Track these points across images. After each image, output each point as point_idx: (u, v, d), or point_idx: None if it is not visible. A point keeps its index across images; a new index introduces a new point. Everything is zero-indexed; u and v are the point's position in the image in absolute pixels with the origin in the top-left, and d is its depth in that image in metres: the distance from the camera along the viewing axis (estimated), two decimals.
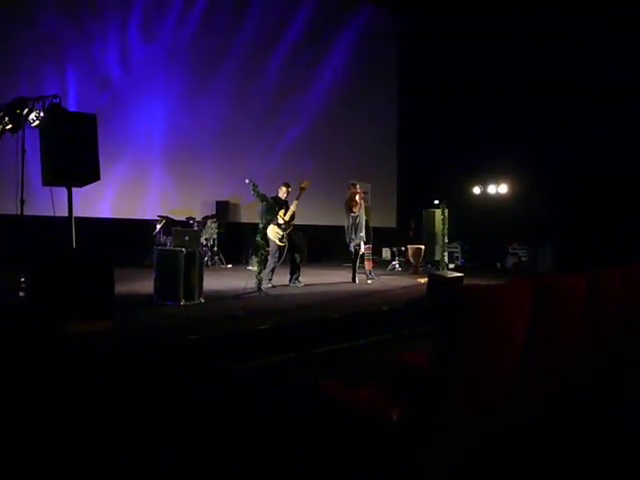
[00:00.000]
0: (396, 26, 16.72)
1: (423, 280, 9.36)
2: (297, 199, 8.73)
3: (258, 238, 8.11)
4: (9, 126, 6.34)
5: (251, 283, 7.94)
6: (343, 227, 9.98)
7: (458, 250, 14.20)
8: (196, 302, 6.93)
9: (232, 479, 2.95)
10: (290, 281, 8.98)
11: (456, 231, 13.40)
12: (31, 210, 6.54)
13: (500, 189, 14.81)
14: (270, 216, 8.57)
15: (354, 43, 15.55)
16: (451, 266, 12.79)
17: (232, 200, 12.96)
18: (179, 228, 9.00)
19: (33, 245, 6.13)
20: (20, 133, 6.35)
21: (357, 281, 9.71)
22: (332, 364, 5.23)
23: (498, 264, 13.92)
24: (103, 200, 10.95)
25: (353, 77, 15.42)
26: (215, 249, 11.96)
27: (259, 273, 7.90)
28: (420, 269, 12.18)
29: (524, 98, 13.55)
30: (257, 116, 13.50)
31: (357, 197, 9.70)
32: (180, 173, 12.25)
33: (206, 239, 11.57)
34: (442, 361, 2.21)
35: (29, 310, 5.29)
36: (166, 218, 11.08)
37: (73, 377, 4.11)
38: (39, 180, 6.11)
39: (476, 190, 15.21)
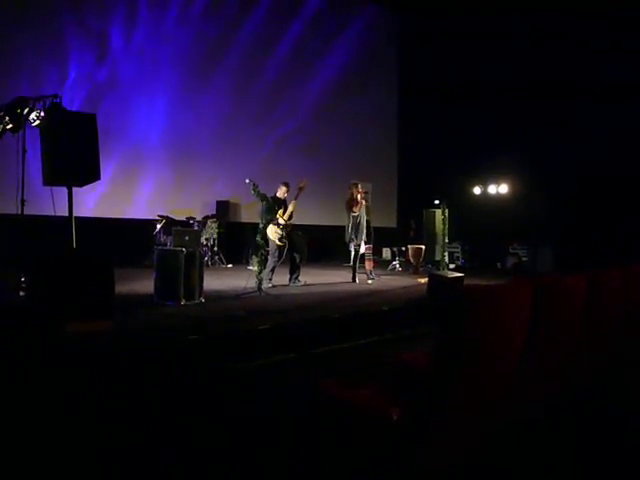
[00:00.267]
0: (396, 26, 16.72)
1: (423, 280, 9.36)
2: (295, 199, 8.74)
3: (258, 238, 8.11)
4: (9, 126, 6.34)
5: (251, 283, 7.94)
6: (343, 227, 9.97)
7: (458, 250, 14.21)
8: (196, 302, 6.93)
9: (232, 479, 2.95)
10: (290, 281, 8.98)
11: (456, 231, 13.41)
12: (31, 210, 6.54)
13: (500, 189, 14.80)
14: (270, 216, 8.57)
15: (354, 43, 15.54)
16: (451, 266, 12.79)
17: (232, 200, 12.96)
18: (179, 228, 9.00)
19: (33, 245, 6.13)
20: (20, 133, 6.35)
21: (357, 281, 9.70)
22: (332, 364, 5.23)
23: (498, 264, 13.91)
24: (103, 200, 10.94)
25: (353, 77, 15.41)
26: (215, 249, 11.96)
27: (259, 273, 7.91)
28: (420, 269, 12.18)
29: (524, 98, 13.54)
30: (257, 116, 13.49)
31: (358, 197, 9.69)
32: (180, 173, 12.25)
33: (206, 239, 11.57)
34: (442, 361, 2.21)
35: (29, 310, 5.29)
36: (166, 218, 11.08)
37: (73, 377, 4.11)
38: (39, 180, 6.12)
39: (476, 190, 15.21)
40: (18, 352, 4.37)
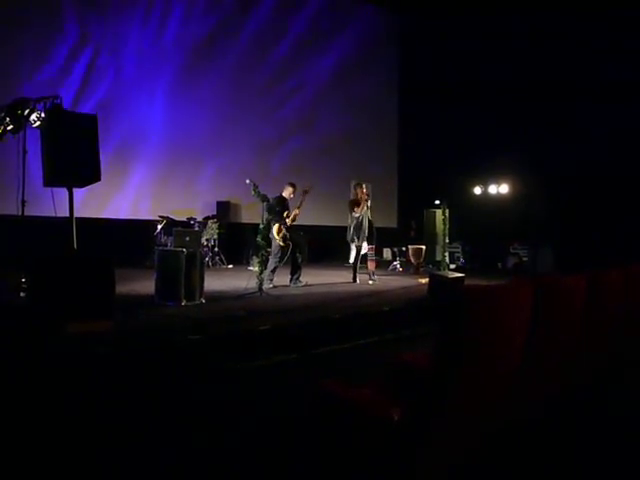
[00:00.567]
0: (396, 26, 16.72)
1: (424, 280, 9.36)
2: (299, 206, 8.76)
3: (259, 238, 8.11)
4: (10, 127, 6.36)
5: (252, 283, 7.94)
6: (344, 227, 9.97)
7: (459, 250, 14.21)
8: (197, 302, 6.93)
9: (232, 479, 2.95)
10: (291, 281, 8.98)
11: (457, 231, 13.41)
12: (32, 211, 6.55)
13: (501, 189, 14.80)
14: (270, 216, 8.57)
15: (354, 43, 15.53)
16: (452, 266, 12.79)
17: (233, 200, 12.97)
18: (180, 228, 9.00)
19: (34, 246, 6.14)
20: (21, 134, 6.36)
21: (358, 281, 9.70)
22: (333, 364, 5.24)
23: (499, 264, 13.91)
24: (104, 200, 10.95)
25: (353, 77, 15.41)
26: (216, 249, 11.97)
27: (260, 273, 7.90)
28: (421, 269, 12.18)
29: (524, 98, 13.54)
30: (258, 116, 13.50)
31: (362, 197, 9.65)
32: (181, 173, 12.26)
33: (207, 239, 11.58)
34: (442, 361, 2.21)
35: (29, 310, 5.30)
36: (167, 218, 11.09)
37: (73, 377, 4.11)
38: (40, 181, 6.11)
39: (477, 190, 15.21)
40: (18, 352, 4.37)
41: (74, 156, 5.91)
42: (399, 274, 12.04)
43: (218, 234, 11.98)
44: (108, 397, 3.92)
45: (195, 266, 6.97)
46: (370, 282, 9.69)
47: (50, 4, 10.70)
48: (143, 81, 12.03)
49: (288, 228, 8.67)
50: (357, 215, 9.66)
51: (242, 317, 6.21)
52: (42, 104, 6.25)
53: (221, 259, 12.06)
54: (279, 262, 8.69)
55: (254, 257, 9.34)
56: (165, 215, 11.17)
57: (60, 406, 3.72)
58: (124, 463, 3.05)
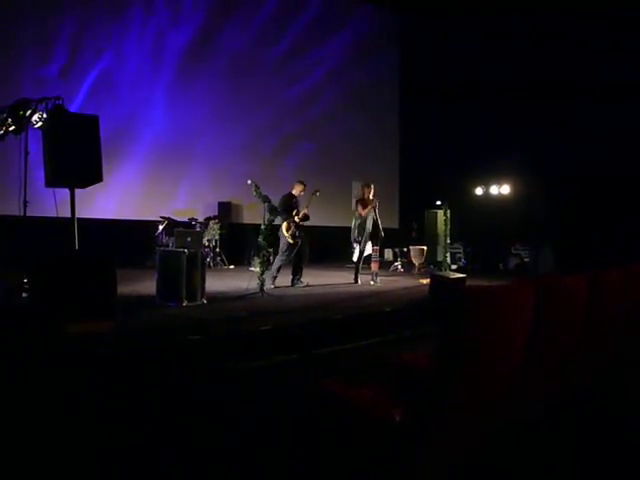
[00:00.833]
0: (396, 26, 16.73)
1: (425, 281, 9.36)
2: (307, 206, 8.79)
3: (260, 239, 8.12)
4: (12, 127, 6.37)
5: (253, 284, 7.95)
6: (344, 228, 9.94)
7: (460, 251, 14.20)
8: (198, 303, 6.94)
9: (232, 479, 2.96)
10: (292, 282, 8.99)
11: (458, 232, 13.40)
12: (34, 211, 6.56)
13: (502, 190, 14.80)
14: (272, 216, 8.58)
15: (354, 43, 15.55)
16: (453, 267, 12.79)
17: (234, 201, 12.98)
18: (181, 229, 9.00)
19: (36, 246, 6.16)
20: (23, 134, 6.37)
21: (359, 282, 9.69)
22: (334, 365, 5.24)
23: (500, 265, 13.90)
24: (105, 201, 10.96)
25: (354, 77, 15.42)
26: (217, 250, 11.98)
27: (261, 274, 7.91)
28: (422, 270, 12.18)
29: (524, 98, 13.55)
30: (259, 117, 13.50)
31: (368, 198, 9.62)
32: (182, 174, 12.27)
33: (208, 240, 11.59)
34: (443, 362, 2.22)
35: (30, 310, 5.31)
36: (168, 219, 11.11)
37: (74, 377, 4.12)
38: (42, 181, 6.14)
39: (478, 191, 15.21)
40: (19, 352, 4.38)
41: (76, 157, 5.93)
42: (400, 275, 12.04)
43: (219, 235, 11.99)
44: (108, 397, 3.93)
45: (196, 267, 6.98)
46: (372, 283, 9.68)
47: (52, 5, 10.71)
48: (146, 82, 12.04)
49: (297, 226, 8.69)
50: (362, 215, 9.62)
51: (243, 317, 6.22)
52: (44, 105, 6.27)
53: (222, 260, 12.07)
54: (285, 260, 8.70)
55: (255, 258, 9.35)
56: (166, 216, 11.18)
57: (60, 406, 3.73)
58: (124, 463, 3.06)
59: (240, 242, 12.76)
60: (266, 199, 8.47)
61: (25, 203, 6.36)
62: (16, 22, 10.20)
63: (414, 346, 5.59)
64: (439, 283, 8.27)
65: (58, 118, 6.06)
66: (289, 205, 8.70)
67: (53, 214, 6.21)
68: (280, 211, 8.53)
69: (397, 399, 2.42)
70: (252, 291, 7.87)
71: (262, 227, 8.33)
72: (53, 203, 6.09)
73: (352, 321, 6.48)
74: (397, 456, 2.24)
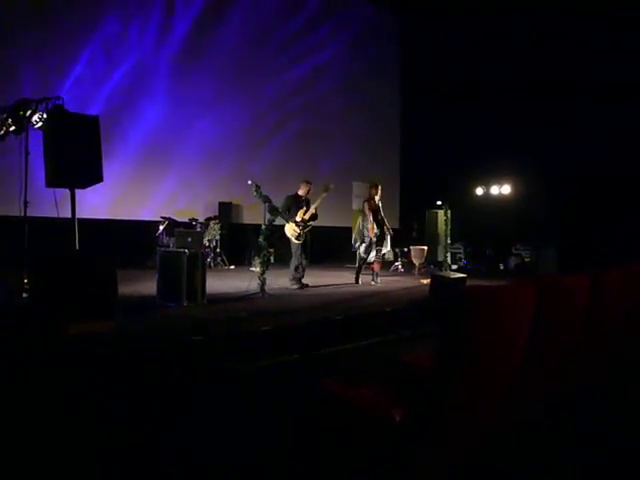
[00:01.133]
0: (396, 26, 16.73)
1: (426, 281, 9.36)
2: (317, 204, 8.80)
3: (261, 239, 8.12)
4: (12, 128, 6.37)
5: (254, 284, 7.95)
6: (345, 228, 9.93)
7: (461, 251, 14.20)
8: (199, 303, 6.94)
9: (232, 479, 2.96)
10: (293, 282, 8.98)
11: (459, 232, 13.41)
12: (34, 211, 6.56)
13: (503, 190, 14.79)
14: (272, 217, 8.57)
15: (355, 43, 15.55)
16: (454, 267, 12.79)
17: (235, 201, 12.98)
18: (182, 229, 9.00)
19: (36, 246, 6.16)
20: (23, 135, 6.37)
21: (360, 282, 9.69)
22: (335, 365, 5.24)
23: (501, 265, 13.89)
24: (106, 201, 10.96)
25: (354, 78, 15.43)
26: (218, 250, 11.98)
27: (262, 274, 7.91)
28: (423, 270, 12.18)
29: (524, 98, 13.55)
30: (259, 117, 13.51)
31: (375, 198, 9.57)
32: (183, 174, 12.27)
33: (209, 240, 11.59)
34: (443, 362, 2.22)
35: (30, 310, 5.31)
36: (169, 219, 11.11)
37: (74, 378, 4.12)
38: (42, 182, 6.14)
39: (479, 191, 15.20)
40: (19, 353, 4.38)
41: (76, 157, 5.94)
42: (401, 275, 12.05)
43: (220, 235, 11.99)
44: (108, 398, 3.93)
45: (197, 267, 6.97)
46: (373, 283, 9.67)
47: (52, 5, 10.71)
48: (146, 82, 12.04)
49: (305, 227, 8.71)
50: (366, 215, 9.59)
51: (244, 318, 6.22)
52: (44, 105, 6.28)
53: (223, 260, 12.07)
54: (300, 259, 8.71)
55: (256, 258, 9.33)
56: (167, 216, 11.18)
57: (60, 406, 3.73)
58: (124, 463, 3.06)
59: (240, 242, 12.76)
60: (266, 199, 8.46)
61: (25, 203, 6.37)
62: (18, 22, 10.19)
63: (414, 346, 5.59)
64: (439, 283, 8.27)
65: (58, 118, 6.06)
66: (293, 206, 8.70)
67: (53, 214, 6.20)
68: (281, 212, 8.53)
69: (397, 399, 2.42)
70: (252, 291, 7.88)
71: (262, 227, 8.33)
72: (53, 203, 6.09)
73: (352, 321, 6.48)
74: (397, 456, 2.25)
